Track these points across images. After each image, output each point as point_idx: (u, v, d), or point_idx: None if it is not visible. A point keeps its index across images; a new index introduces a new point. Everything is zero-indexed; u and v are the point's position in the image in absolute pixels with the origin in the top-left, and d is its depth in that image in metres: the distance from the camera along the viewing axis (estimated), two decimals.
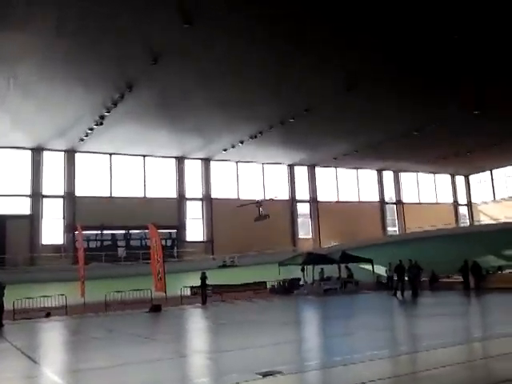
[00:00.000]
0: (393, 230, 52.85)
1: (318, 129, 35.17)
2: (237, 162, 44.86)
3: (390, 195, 53.89)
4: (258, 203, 39.93)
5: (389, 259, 26.79)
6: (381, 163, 49.89)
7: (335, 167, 49.75)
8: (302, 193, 48.36)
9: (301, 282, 29.63)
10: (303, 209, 48.38)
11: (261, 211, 39.66)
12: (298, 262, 29.68)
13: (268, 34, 21.57)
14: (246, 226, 40.97)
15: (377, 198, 52.64)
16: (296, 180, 48.15)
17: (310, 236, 47.74)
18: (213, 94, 28.48)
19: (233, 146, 38.94)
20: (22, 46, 21.60)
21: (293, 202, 47.55)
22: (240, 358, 9.78)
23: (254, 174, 46.10)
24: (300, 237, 47.06)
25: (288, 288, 29.12)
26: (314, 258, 30.33)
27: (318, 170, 49.20)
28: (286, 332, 13.37)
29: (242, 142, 37.70)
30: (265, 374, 7.55)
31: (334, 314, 18.70)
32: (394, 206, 53.84)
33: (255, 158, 44.35)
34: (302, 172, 48.68)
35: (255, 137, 36.17)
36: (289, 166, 47.57)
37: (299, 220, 47.73)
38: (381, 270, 29.32)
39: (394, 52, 23.20)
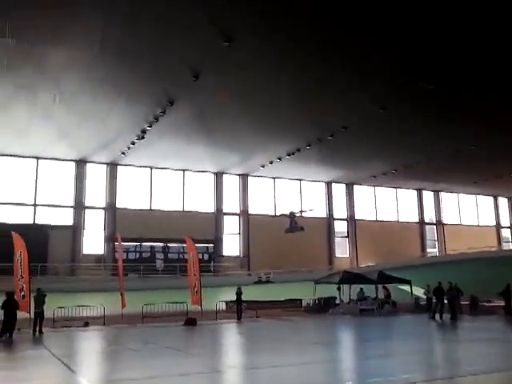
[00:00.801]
0: (432, 251, 51.75)
1: (357, 147, 35.01)
2: (274, 179, 44.99)
3: (429, 215, 52.91)
4: (291, 215, 39.87)
5: (428, 281, 26.25)
6: (420, 183, 49.13)
7: (374, 186, 49.25)
8: (340, 211, 48.02)
9: (337, 301, 29.32)
10: (340, 227, 47.99)
11: (294, 223, 39.60)
12: (334, 281, 29.40)
13: (306, 53, 21.75)
14: (282, 242, 40.96)
15: (416, 219, 51.74)
16: (333, 198, 47.88)
17: (347, 255, 47.27)
18: (251, 112, 28.81)
19: (270, 163, 39.11)
20: (67, 60, 22.41)
21: (330, 219, 47.24)
22: (274, 375, 9.77)
23: (292, 191, 46.11)
24: (337, 255, 46.63)
25: (323, 307, 28.86)
26: (350, 277, 29.99)
27: (356, 188, 48.83)
28: (321, 352, 13.27)
29: (279, 159, 37.87)
30: None
31: (370, 335, 18.43)
32: (434, 226, 52.78)
33: (293, 175, 44.38)
34: (339, 190, 48.40)
35: (293, 154, 36.28)
36: (326, 183, 47.37)
37: (336, 238, 47.32)
38: (419, 291, 28.73)
39: (433, 73, 23.03)
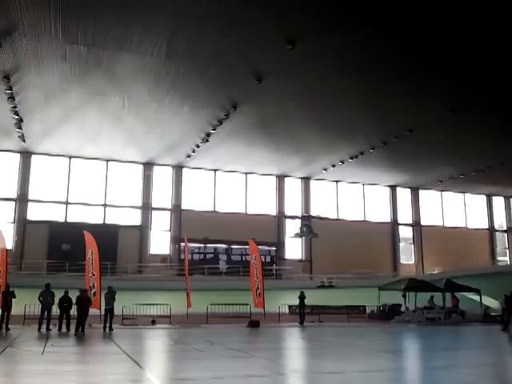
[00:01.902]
0: (503, 259, 49.50)
1: (422, 150, 34.18)
2: (337, 182, 44.60)
3: (499, 222, 50.68)
4: (305, 218, 39.59)
5: (498, 291, 25.14)
6: (490, 188, 47.18)
7: (440, 190, 47.79)
8: (405, 216, 46.90)
9: (402, 309, 28.65)
10: (405, 233, 46.84)
11: (305, 228, 39.14)
12: (399, 288, 28.75)
13: (370, 56, 21.54)
14: (345, 247, 40.60)
15: (486, 225, 49.71)
16: (398, 202, 46.83)
17: (413, 261, 46.09)
18: (314, 115, 28.80)
19: (333, 166, 38.86)
20: (136, 68, 23.31)
21: (394, 225, 46.25)
22: (337, 382, 9.70)
23: (355, 195, 45.52)
24: (401, 262, 45.57)
25: (388, 314, 28.28)
26: (416, 285, 29.22)
27: (421, 192, 47.55)
28: (385, 359, 13.02)
29: (342, 162, 37.56)
30: None
31: (436, 344, 17.87)
32: (505, 234, 50.50)
33: (356, 179, 43.85)
34: (404, 194, 47.29)
35: (356, 157, 35.90)
36: (391, 187, 46.43)
37: (401, 244, 46.25)
38: (489, 301, 27.58)
39: (506, 75, 22.16)
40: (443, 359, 13.07)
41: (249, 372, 10.65)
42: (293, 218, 40.84)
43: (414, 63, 22.06)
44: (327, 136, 32.28)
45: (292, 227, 42.79)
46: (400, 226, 46.59)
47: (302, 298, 24.60)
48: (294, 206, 43.31)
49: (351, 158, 36.27)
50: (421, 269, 44.94)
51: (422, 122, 28.29)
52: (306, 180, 43.66)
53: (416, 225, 46.93)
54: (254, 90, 24.56)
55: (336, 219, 43.82)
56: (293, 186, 43.65)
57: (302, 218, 40.69)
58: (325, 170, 40.10)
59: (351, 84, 24.62)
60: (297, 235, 40.13)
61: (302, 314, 24.39)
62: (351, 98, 26.25)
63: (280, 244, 42.18)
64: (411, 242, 46.79)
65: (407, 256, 46.41)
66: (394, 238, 45.88)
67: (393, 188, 46.48)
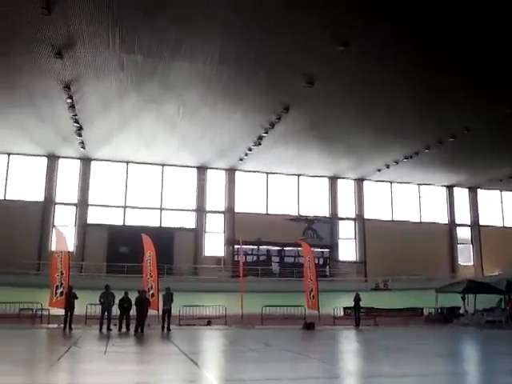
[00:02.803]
0: None
1: (480, 149, 33.16)
2: (391, 183, 43.85)
3: None
4: (308, 219, 38.80)
5: None
6: None
7: (500, 189, 46.09)
8: (462, 216, 45.52)
9: (460, 311, 27.84)
10: (463, 233, 45.46)
11: (309, 230, 38.35)
12: (458, 290, 27.94)
13: (424, 55, 21.14)
14: (400, 248, 39.88)
15: None
16: (455, 202, 45.53)
17: (471, 263, 44.67)
18: (366, 115, 28.51)
19: (387, 166, 38.27)
20: (189, 75, 23.87)
21: (452, 225, 44.99)
22: None
23: (410, 196, 44.60)
24: (460, 263, 44.25)
25: (446, 317, 27.55)
26: (475, 287, 28.30)
27: (480, 192, 46.02)
28: (443, 364, 12.72)
29: (396, 162, 36.94)
30: None
31: (497, 349, 17.28)
32: None
33: (411, 179, 42.97)
34: (462, 194, 45.92)
35: (411, 157, 35.25)
36: (447, 187, 45.20)
37: (459, 246, 44.91)
38: None
39: None
40: (507, 363, 12.67)
41: (305, 374, 10.69)
42: (296, 219, 40.41)
43: (471, 62, 21.48)
44: (381, 137, 31.84)
45: (345, 229, 42.47)
46: (458, 227, 45.26)
47: (357, 300, 24.32)
48: (347, 208, 42.93)
49: (406, 159, 35.63)
50: (480, 270, 43.53)
51: (479, 121, 27.46)
52: (359, 181, 43.19)
53: (474, 225, 45.50)
54: (306, 93, 24.60)
55: (391, 220, 43.12)
56: (346, 188, 43.26)
57: (307, 220, 40.31)
58: (378, 170, 39.57)
59: (405, 84, 24.25)
60: (302, 238, 39.78)
61: (357, 316, 24.14)
62: (405, 98, 25.83)
63: (333, 246, 41.89)
64: (470, 242, 45.35)
65: (465, 257, 45.04)
66: (452, 239, 44.65)
67: (450, 188, 45.26)
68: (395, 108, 27.20)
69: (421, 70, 22.65)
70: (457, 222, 45.29)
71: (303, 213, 41.61)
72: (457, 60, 21.45)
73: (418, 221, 44.18)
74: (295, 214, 41.30)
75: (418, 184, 44.40)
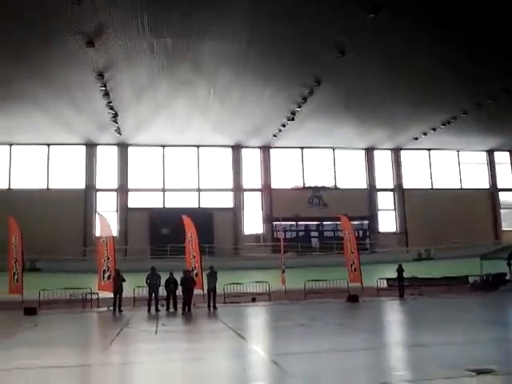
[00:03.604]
0: None
1: None
2: (429, 150, 43.01)
3: None
4: (314, 189, 38.60)
5: None
6: None
7: None
8: (505, 180, 44.36)
9: (507, 278, 27.35)
10: (506, 198, 44.33)
11: (315, 198, 38.44)
12: (503, 256, 27.41)
13: (459, 18, 20.48)
14: (441, 216, 39.33)
15: None
16: (497, 167, 44.36)
17: None
18: (401, 83, 27.96)
19: (424, 134, 37.53)
20: (220, 56, 23.84)
21: (494, 190, 43.92)
22: (442, 353, 9.61)
23: (449, 162, 43.70)
24: (503, 228, 43.29)
25: (492, 284, 27.13)
26: None
27: None
28: (489, 331, 12.61)
29: (433, 129, 36.17)
30: (478, 372, 7.30)
31: None
32: None
33: (449, 145, 42.00)
34: (503, 158, 44.68)
35: (448, 123, 34.44)
36: (487, 151, 44.03)
37: (502, 211, 43.88)
38: None
39: None
40: None
41: (353, 346, 10.85)
42: (301, 189, 40.05)
43: (509, 19, 20.66)
44: (416, 104, 31.14)
45: (384, 200, 42.08)
46: (500, 192, 44.17)
47: (400, 270, 24.21)
48: (385, 178, 42.45)
49: (443, 125, 34.83)
50: None
51: None
52: (396, 151, 42.52)
53: None
54: (337, 64, 24.23)
55: (430, 188, 42.47)
56: (382, 158, 42.71)
57: (313, 188, 39.94)
58: (415, 139, 38.83)
59: (438, 47, 23.56)
60: (308, 207, 39.46)
61: (401, 287, 24.06)
62: (439, 62, 25.10)
63: (373, 217, 41.60)
64: None
65: (509, 223, 43.99)
66: (495, 205, 43.62)
67: (490, 152, 44.07)
68: (430, 73, 26.49)
69: (455, 33, 21.98)
70: (499, 186, 44.17)
71: (339, 185, 41.35)
72: (493, 18, 20.66)
73: (459, 187, 43.32)
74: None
75: (457, 150, 43.38)
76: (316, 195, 40.27)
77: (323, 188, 40.37)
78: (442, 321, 14.92)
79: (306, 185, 40.60)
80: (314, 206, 39.92)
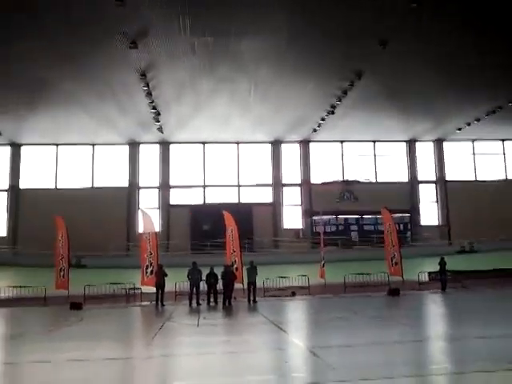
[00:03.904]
0: None
1: None
2: (473, 141, 42.01)
3: None
4: (346, 183, 38.07)
5: None
6: None
7: None
8: None
9: None
10: None
11: (347, 193, 37.87)
12: None
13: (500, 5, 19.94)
14: (485, 209, 38.41)
15: None
16: None
17: None
18: (443, 73, 27.36)
19: (468, 124, 36.68)
20: (260, 53, 24.00)
21: None
22: (483, 346, 9.55)
23: (493, 153, 42.54)
24: None
25: None
26: None
27: None
28: None
29: (478, 120, 35.31)
30: None
31: None
32: None
33: (494, 135, 40.90)
34: None
35: (493, 112, 33.56)
36: None
37: None
38: None
39: None
40: None
41: (394, 339, 10.88)
42: (330, 184, 39.41)
43: None
44: (459, 94, 30.50)
45: (426, 193, 41.40)
46: None
47: (442, 264, 23.81)
48: (427, 170, 41.74)
49: (487, 115, 33.99)
50: None
51: None
52: (438, 142, 41.75)
53: None
54: (378, 56, 24.01)
55: (474, 180, 41.51)
56: (425, 150, 41.99)
57: (345, 182, 39.23)
58: (459, 129, 38.00)
59: (481, 36, 23.01)
60: (338, 201, 38.76)
61: (443, 280, 23.68)
62: (482, 50, 24.53)
63: (414, 210, 40.99)
64: None
65: None
66: None
67: None
68: (472, 62, 25.89)
69: (499, 22, 21.42)
70: None
71: (380, 178, 40.94)
72: None
73: (504, 178, 42.14)
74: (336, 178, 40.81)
75: (502, 140, 42.22)
76: (348, 189, 39.93)
77: (354, 182, 39.91)
78: (484, 313, 14.71)
79: (339, 179, 40.22)
80: (344, 200, 39.55)
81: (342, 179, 40.38)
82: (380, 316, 15.08)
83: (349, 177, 40.34)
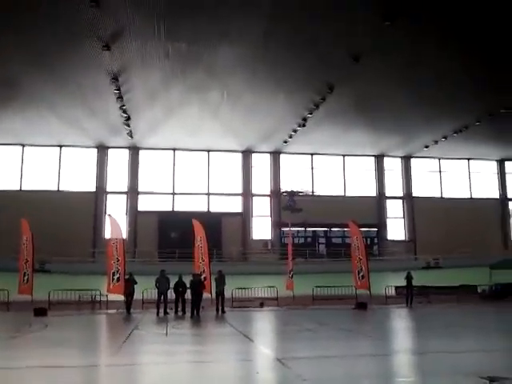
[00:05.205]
0: None
1: None
2: (439, 159, 42.92)
3: None
4: (290, 193, 38.52)
5: None
6: None
7: None
8: None
9: None
10: None
11: (291, 202, 38.22)
12: None
13: (472, 28, 20.53)
14: (451, 225, 39.18)
15: None
16: (507, 176, 44.15)
17: None
18: (413, 90, 27.85)
19: (435, 142, 37.45)
20: (234, 60, 23.97)
21: (504, 200, 43.71)
22: (454, 360, 9.63)
23: (459, 171, 43.57)
24: None
25: (501, 294, 27.03)
26: None
27: None
28: (499, 339, 12.60)
29: (445, 138, 36.09)
30: (491, 379, 7.28)
31: None
32: None
33: (460, 154, 41.89)
34: None
35: (460, 131, 34.35)
36: (498, 161, 43.86)
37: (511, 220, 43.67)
38: None
39: None
40: None
41: (362, 351, 10.89)
42: (280, 194, 39.93)
43: None
44: (428, 112, 31.07)
45: (392, 208, 42.02)
46: (510, 202, 43.94)
47: (409, 278, 24.17)
48: (394, 186, 42.39)
49: (455, 133, 34.75)
50: None
51: None
52: (406, 159, 42.46)
53: None
54: (351, 70, 24.26)
55: (440, 197, 42.37)
56: (392, 166, 42.66)
57: (288, 193, 39.72)
58: (426, 147, 38.74)
59: (452, 57, 23.59)
60: (284, 208, 39.25)
61: (409, 295, 24.02)
62: (452, 71, 25.10)
63: (381, 225, 41.52)
64: None
65: None
66: (504, 214, 43.40)
67: (501, 162, 43.88)
68: (442, 82, 26.47)
69: (469, 43, 22.01)
70: (509, 196, 43.92)
71: (348, 192, 41.34)
72: (510, 28, 20.67)
73: (469, 197, 43.16)
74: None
75: (468, 159, 43.23)
76: (291, 200, 39.88)
77: (297, 193, 39.85)
78: (451, 328, 14.92)
79: (283, 189, 40.15)
80: (288, 209, 39.35)
81: (287, 190, 40.20)
82: (348, 329, 15.13)
83: (287, 188, 40.19)
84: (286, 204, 39.31)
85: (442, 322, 16.99)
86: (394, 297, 24.74)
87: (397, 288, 25.65)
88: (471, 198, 42.99)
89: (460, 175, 43.46)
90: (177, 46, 22.34)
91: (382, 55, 23.36)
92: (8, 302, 20.04)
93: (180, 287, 20.48)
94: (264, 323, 18.54)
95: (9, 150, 37.98)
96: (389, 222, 41.83)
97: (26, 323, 16.43)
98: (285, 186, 40.21)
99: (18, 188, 37.46)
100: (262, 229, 39.83)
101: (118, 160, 39.00)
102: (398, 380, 8.49)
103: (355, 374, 8.74)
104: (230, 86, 26.98)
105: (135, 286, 20.79)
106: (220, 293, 20.91)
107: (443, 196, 42.58)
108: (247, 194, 39.88)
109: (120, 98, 27.12)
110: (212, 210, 39.20)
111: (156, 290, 20.72)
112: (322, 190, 40.88)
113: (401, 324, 18.06)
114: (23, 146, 37.80)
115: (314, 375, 8.50)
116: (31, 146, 37.77)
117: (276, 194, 39.82)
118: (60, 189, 38.02)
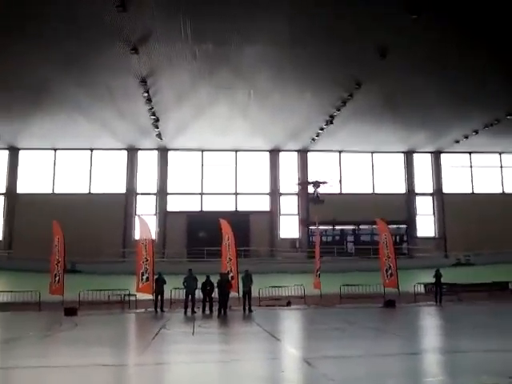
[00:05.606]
0: None
1: None
2: (470, 154, 42.16)
3: None
4: (315, 183, 37.86)
5: None
6: None
7: None
8: None
9: None
10: None
11: (315, 195, 37.43)
12: None
13: (500, 19, 20.07)
14: (482, 222, 38.43)
15: None
16: None
17: None
18: (441, 85, 27.55)
19: (465, 137, 36.82)
20: (260, 59, 24.10)
21: None
22: (484, 360, 9.50)
23: (490, 165, 42.66)
24: None
25: None
26: None
27: None
28: None
29: (476, 132, 35.45)
30: None
31: None
32: None
33: (491, 148, 41.04)
34: None
35: (491, 125, 33.71)
36: None
37: None
38: None
39: None
40: None
41: (390, 351, 10.84)
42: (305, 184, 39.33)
43: None
44: (458, 106, 30.63)
45: (422, 205, 41.41)
46: None
47: (438, 276, 23.79)
48: (424, 182, 41.81)
49: (486, 127, 34.13)
50: None
51: None
52: (436, 154, 41.85)
53: None
54: (378, 66, 24.08)
55: (471, 193, 41.63)
56: (422, 162, 42.09)
57: (313, 183, 38.92)
58: (457, 142, 38.14)
59: (481, 48, 23.15)
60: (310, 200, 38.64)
61: (438, 292, 23.65)
62: (482, 62, 24.64)
63: (411, 222, 41.03)
64: None
65: None
66: None
67: None
68: (472, 75, 26.05)
69: (501, 33, 21.54)
70: None
71: (377, 190, 40.94)
72: None
73: (501, 192, 42.27)
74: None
75: (500, 152, 42.39)
76: (315, 191, 39.43)
77: (322, 183, 39.19)
78: (482, 327, 14.67)
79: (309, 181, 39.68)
80: (313, 200, 38.95)
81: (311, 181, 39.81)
82: (376, 327, 15.04)
83: (312, 179, 39.71)
84: (312, 196, 39.12)
85: (471, 320, 16.73)
86: (423, 295, 24.36)
87: (426, 285, 25.25)
88: (503, 193, 42.07)
89: (492, 170, 42.57)
90: (203, 48, 22.60)
91: (408, 51, 23.12)
92: (39, 302, 20.53)
93: (207, 286, 20.58)
94: (291, 322, 18.53)
95: (42, 154, 38.97)
96: (418, 219, 41.33)
97: (56, 322, 16.81)
98: (310, 178, 39.98)
99: (51, 191, 38.37)
100: (289, 227, 39.85)
101: (147, 161, 39.60)
102: (426, 380, 8.44)
103: (382, 373, 8.72)
104: (257, 84, 27.13)
105: (164, 285, 21.01)
106: (247, 292, 20.96)
107: (474, 191, 41.81)
108: (275, 193, 39.95)
109: (149, 100, 27.57)
110: (240, 209, 39.39)
111: (184, 290, 20.89)
112: (350, 188, 40.63)
113: (429, 322, 17.84)
114: (55, 150, 38.75)
115: (340, 375, 8.51)
116: (63, 149, 38.67)
117: (301, 185, 39.55)
118: (91, 191, 38.80)
